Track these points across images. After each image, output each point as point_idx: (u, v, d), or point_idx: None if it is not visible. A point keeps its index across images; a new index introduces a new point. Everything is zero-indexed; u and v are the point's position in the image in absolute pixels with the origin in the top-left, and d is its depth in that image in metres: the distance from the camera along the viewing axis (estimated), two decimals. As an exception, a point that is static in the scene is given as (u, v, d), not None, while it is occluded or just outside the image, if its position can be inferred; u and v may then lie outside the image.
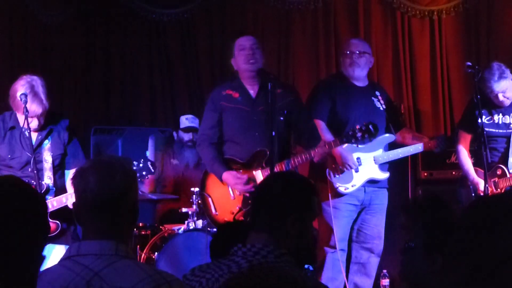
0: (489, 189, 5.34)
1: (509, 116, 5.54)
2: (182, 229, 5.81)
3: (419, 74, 7.46)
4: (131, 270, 2.25)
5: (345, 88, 5.54)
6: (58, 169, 4.83)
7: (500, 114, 5.54)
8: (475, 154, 5.63)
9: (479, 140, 5.36)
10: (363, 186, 5.40)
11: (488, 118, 5.53)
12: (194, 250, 5.67)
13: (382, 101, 5.64)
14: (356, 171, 5.29)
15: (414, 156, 6.74)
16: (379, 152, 5.49)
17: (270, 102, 4.76)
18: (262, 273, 2.43)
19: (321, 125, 5.35)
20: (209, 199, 5.04)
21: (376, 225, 5.51)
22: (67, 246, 4.63)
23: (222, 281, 2.51)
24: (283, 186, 2.69)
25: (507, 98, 5.48)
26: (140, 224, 6.11)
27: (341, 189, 5.32)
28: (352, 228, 5.51)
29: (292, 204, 2.65)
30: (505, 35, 7.24)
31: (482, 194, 5.40)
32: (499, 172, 5.49)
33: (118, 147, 6.88)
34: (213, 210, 5.02)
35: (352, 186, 5.33)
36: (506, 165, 5.48)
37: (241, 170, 4.91)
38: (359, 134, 4.91)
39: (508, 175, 5.45)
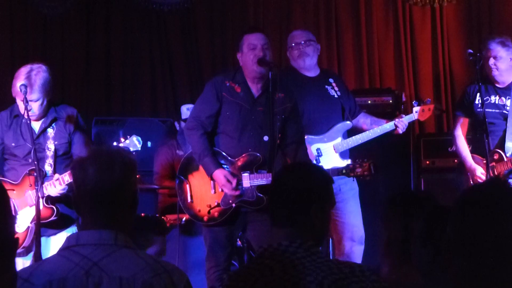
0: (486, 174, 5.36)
1: (505, 98, 5.53)
2: (184, 219, 5.81)
3: (421, 62, 7.44)
4: (131, 259, 2.25)
5: (296, 81, 5.46)
6: (63, 158, 4.83)
7: (497, 96, 5.54)
8: (472, 141, 5.63)
9: (481, 127, 5.36)
10: None
11: (485, 98, 5.51)
12: (196, 239, 5.68)
13: (336, 88, 5.57)
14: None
15: (416, 145, 6.74)
16: (338, 140, 5.44)
17: (271, 91, 4.66)
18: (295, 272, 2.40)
19: None
20: (187, 185, 4.90)
21: (351, 212, 5.43)
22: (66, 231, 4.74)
23: None
24: (303, 177, 2.64)
25: (497, 68, 5.47)
26: (142, 215, 6.11)
27: None
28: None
29: (314, 194, 2.60)
30: (507, 23, 7.22)
31: (479, 180, 5.41)
32: (496, 157, 5.47)
33: (119, 138, 6.85)
34: (189, 198, 4.87)
35: None
36: (503, 150, 5.47)
37: (228, 167, 4.78)
38: (358, 170, 4.85)
39: (505, 159, 5.44)
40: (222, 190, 4.78)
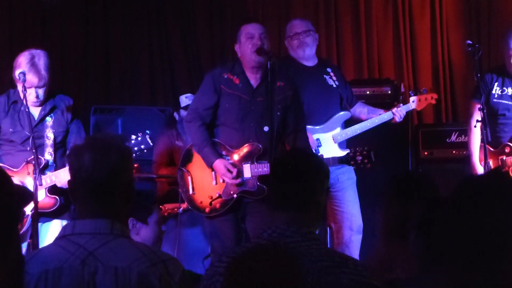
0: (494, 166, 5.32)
1: None
2: (181, 209, 5.81)
3: (420, 52, 7.42)
4: (127, 249, 2.25)
5: (295, 70, 5.44)
6: (60, 146, 4.85)
7: None
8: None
9: (493, 118, 5.33)
10: None
11: (501, 89, 5.48)
12: (195, 229, 5.69)
13: (334, 78, 5.56)
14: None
15: (414, 136, 6.73)
16: (337, 130, 5.45)
17: (270, 81, 4.65)
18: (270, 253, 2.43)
19: None
20: (189, 177, 4.91)
21: (349, 201, 5.44)
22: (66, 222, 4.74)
23: None
24: (313, 163, 2.68)
25: None
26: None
27: None
28: (327, 210, 5.47)
29: (325, 180, 2.68)
30: (506, 13, 7.20)
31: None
32: (507, 150, 5.42)
33: (118, 126, 6.84)
34: (191, 190, 4.89)
35: None
36: None
37: (228, 158, 4.80)
38: (359, 158, 4.91)
39: None
40: (223, 181, 4.79)
